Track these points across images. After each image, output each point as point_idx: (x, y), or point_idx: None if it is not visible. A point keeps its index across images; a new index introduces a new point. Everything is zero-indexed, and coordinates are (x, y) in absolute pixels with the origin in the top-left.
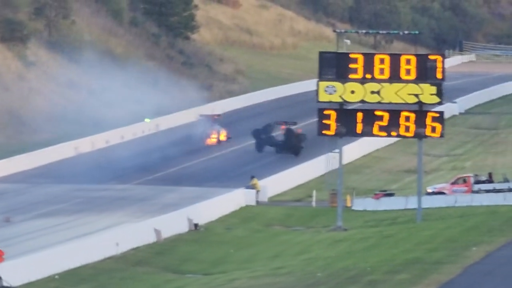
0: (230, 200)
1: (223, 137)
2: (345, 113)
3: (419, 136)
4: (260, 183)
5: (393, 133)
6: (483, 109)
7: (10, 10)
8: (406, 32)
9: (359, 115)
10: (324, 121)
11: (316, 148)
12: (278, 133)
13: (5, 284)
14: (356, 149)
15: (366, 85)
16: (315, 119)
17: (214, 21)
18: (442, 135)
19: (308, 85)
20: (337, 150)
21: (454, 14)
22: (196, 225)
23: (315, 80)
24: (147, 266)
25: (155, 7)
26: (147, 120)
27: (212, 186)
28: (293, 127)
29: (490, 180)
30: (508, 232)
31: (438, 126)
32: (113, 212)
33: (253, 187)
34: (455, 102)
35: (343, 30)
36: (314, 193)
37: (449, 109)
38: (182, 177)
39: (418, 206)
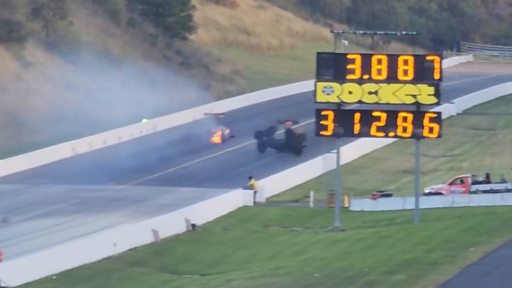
0: (228, 201)
1: (217, 138)
2: (343, 114)
3: (417, 136)
4: (258, 183)
5: (391, 134)
6: (480, 110)
7: (8, 11)
8: (403, 32)
9: (357, 116)
10: (321, 122)
11: (314, 148)
12: (280, 133)
13: (2, 284)
14: (353, 150)
15: (364, 85)
16: (313, 120)
17: (211, 22)
18: (439, 136)
19: (306, 85)
20: (334, 151)
21: (451, 15)
22: (193, 226)
23: (312, 81)
24: (145, 267)
25: (152, 8)
26: (144, 120)
27: (209, 187)
28: (294, 126)
29: (487, 181)
30: (506, 233)
31: (435, 126)
32: (110, 213)
33: (251, 187)
34: (452, 103)
35: (340, 31)
36: (312, 193)
37: (447, 109)
38: (180, 178)
39: (415, 206)
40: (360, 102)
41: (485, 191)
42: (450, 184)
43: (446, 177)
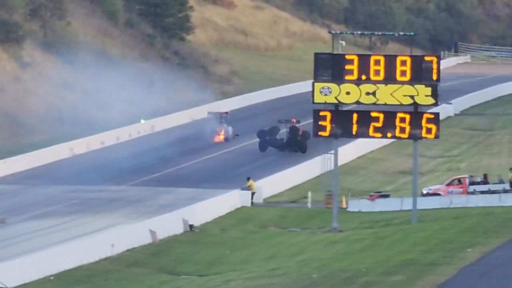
0: (226, 201)
1: (221, 137)
2: (341, 114)
3: (415, 137)
4: (256, 184)
5: (389, 134)
6: (478, 110)
7: (5, 11)
8: (401, 33)
9: (355, 116)
10: (319, 123)
11: (312, 149)
12: (282, 132)
13: (0, 285)
14: (351, 151)
15: (362, 86)
16: (311, 120)
17: (209, 22)
18: (437, 136)
19: (304, 86)
20: (332, 151)
21: (449, 15)
22: (191, 226)
23: (310, 81)
24: (143, 267)
25: (150, 8)
26: (142, 121)
27: (207, 187)
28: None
29: (485, 181)
30: (503, 234)
31: (433, 127)
32: (108, 213)
33: (248, 188)
34: (450, 104)
35: (338, 31)
36: (310, 194)
37: (445, 110)
38: (178, 178)
39: (413, 207)
40: (358, 102)
41: (482, 192)
42: (448, 184)
43: (444, 177)
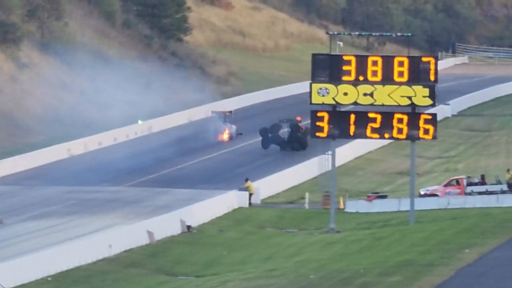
0: (223, 202)
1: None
2: (338, 115)
3: (412, 138)
4: (253, 185)
5: (386, 135)
6: (476, 111)
7: (3, 12)
8: (399, 34)
9: (352, 117)
10: (317, 123)
11: (309, 150)
12: (284, 131)
13: None
14: (348, 151)
15: (359, 87)
16: (308, 121)
17: (206, 23)
18: (434, 137)
19: (301, 87)
20: (330, 152)
21: (447, 16)
22: (188, 227)
23: (308, 82)
24: (140, 268)
25: (147, 9)
26: (140, 122)
27: (205, 188)
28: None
29: (482, 182)
30: (501, 234)
31: (431, 128)
32: (106, 214)
33: (246, 189)
34: (448, 104)
35: (336, 32)
36: (307, 195)
37: (442, 111)
38: (175, 179)
39: (411, 208)
40: (355, 103)
41: (480, 193)
42: (446, 185)
43: (441, 178)
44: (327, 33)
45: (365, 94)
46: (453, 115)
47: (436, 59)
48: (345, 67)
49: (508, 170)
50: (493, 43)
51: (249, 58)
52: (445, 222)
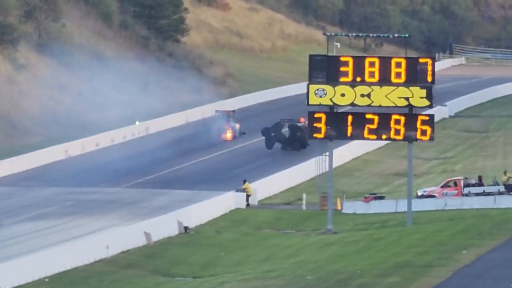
0: (220, 203)
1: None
2: (335, 116)
3: (409, 139)
4: (250, 186)
5: (383, 136)
6: (473, 112)
7: (0, 13)
8: (396, 35)
9: (349, 118)
10: (314, 124)
11: (307, 151)
12: (286, 130)
13: None
14: (346, 152)
15: (356, 88)
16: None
17: (204, 24)
18: (432, 138)
19: (298, 88)
20: (327, 153)
21: (444, 17)
22: (186, 228)
23: (305, 83)
24: (137, 269)
25: (145, 10)
26: (137, 123)
27: (202, 189)
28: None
29: (480, 183)
30: (498, 236)
31: (428, 129)
32: (103, 215)
33: (244, 190)
34: (445, 105)
35: (333, 33)
36: (304, 196)
37: (439, 112)
38: (172, 180)
39: (408, 209)
40: (352, 104)
41: (477, 194)
42: (443, 186)
43: (439, 179)
44: (324, 34)
45: (362, 95)
46: (450, 116)
47: (434, 60)
48: (342, 68)
49: (505, 172)
50: (490, 44)
51: (246, 59)
52: (442, 223)
